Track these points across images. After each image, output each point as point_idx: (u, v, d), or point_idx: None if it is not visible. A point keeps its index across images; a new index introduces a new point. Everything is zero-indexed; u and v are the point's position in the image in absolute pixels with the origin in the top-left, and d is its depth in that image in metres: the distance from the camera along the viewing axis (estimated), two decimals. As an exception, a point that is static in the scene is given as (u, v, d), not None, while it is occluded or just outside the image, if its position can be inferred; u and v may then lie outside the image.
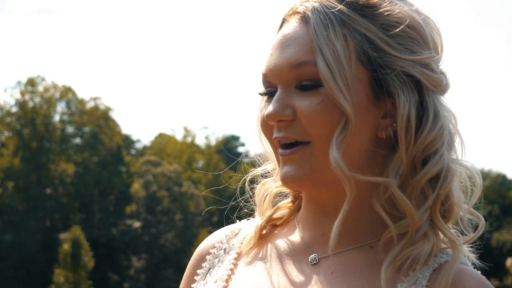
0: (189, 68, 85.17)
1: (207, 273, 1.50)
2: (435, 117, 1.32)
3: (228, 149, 57.68)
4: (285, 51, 1.34)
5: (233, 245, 1.51)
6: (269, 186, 1.50)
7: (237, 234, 1.53)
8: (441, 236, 1.34)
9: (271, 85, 1.38)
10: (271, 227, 1.51)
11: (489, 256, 40.74)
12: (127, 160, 49.02)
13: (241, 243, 1.50)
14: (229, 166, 1.65)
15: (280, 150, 1.36)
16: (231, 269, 1.46)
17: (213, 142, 57.79)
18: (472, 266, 1.37)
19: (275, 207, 1.51)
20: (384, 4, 1.34)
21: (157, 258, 45.04)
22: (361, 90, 1.32)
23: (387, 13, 1.33)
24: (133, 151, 55.12)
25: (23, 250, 42.13)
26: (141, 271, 44.81)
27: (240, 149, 60.03)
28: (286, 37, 1.35)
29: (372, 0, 1.34)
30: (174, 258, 44.67)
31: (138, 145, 56.79)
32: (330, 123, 1.31)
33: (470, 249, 1.41)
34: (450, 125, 1.35)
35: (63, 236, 40.33)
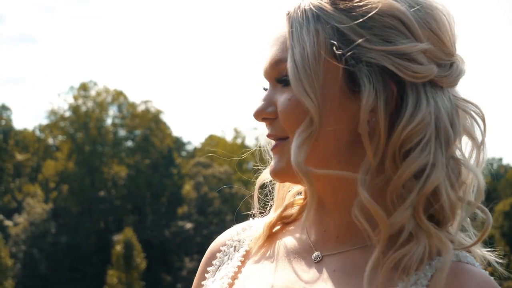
0: (238, 69, 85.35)
1: (216, 271, 1.51)
2: (415, 109, 1.24)
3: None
4: (270, 50, 1.37)
5: (243, 242, 1.51)
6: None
7: (247, 231, 1.53)
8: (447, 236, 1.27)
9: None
10: (282, 225, 1.50)
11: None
12: (178, 162, 49.32)
13: (250, 240, 1.50)
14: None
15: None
16: (238, 267, 1.46)
17: (263, 143, 57.59)
18: (481, 267, 1.30)
19: (285, 204, 1.50)
20: None
21: (209, 259, 45.03)
22: (334, 85, 1.28)
23: (363, 3, 1.28)
24: (183, 153, 55.42)
25: (78, 252, 42.77)
26: (194, 272, 44.42)
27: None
28: (272, 37, 1.38)
29: None
30: (226, 259, 44.48)
31: (189, 147, 57.15)
32: (300, 119, 1.29)
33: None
34: (436, 119, 1.25)
35: (116, 237, 40.78)
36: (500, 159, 64.31)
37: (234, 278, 1.45)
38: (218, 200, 46.07)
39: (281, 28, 1.35)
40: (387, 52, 1.26)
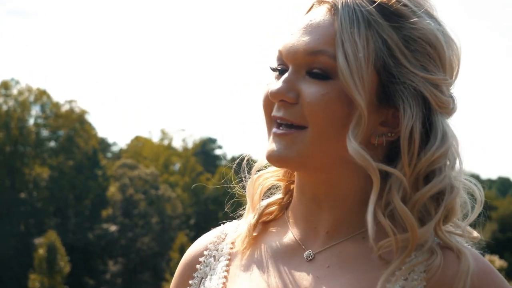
0: (165, 70, 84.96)
1: (200, 283, 1.50)
2: (444, 136, 1.35)
3: (205, 152, 57.45)
4: (305, 35, 1.37)
5: (222, 250, 1.50)
6: (265, 178, 1.51)
7: (224, 238, 1.52)
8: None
9: (284, 64, 1.41)
10: (263, 225, 1.50)
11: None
12: (103, 163, 48.74)
13: (231, 248, 1.49)
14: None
15: (274, 129, 1.38)
16: (225, 277, 1.46)
17: (190, 144, 57.60)
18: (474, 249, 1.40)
19: (265, 205, 1.50)
20: (413, 17, 1.36)
21: (134, 261, 44.78)
22: (368, 93, 1.35)
23: (413, 26, 1.35)
24: (109, 154, 54.75)
25: (-3, 256, 41.70)
26: (118, 275, 44.53)
27: (217, 152, 60.07)
28: (310, 22, 1.38)
29: (403, 10, 1.36)
30: (151, 262, 44.45)
31: (114, 148, 56.46)
32: (330, 115, 1.34)
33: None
34: (453, 148, 1.38)
35: (38, 241, 39.97)
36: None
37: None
38: (144, 202, 45.65)
39: (322, 18, 1.37)
40: (426, 79, 1.35)
